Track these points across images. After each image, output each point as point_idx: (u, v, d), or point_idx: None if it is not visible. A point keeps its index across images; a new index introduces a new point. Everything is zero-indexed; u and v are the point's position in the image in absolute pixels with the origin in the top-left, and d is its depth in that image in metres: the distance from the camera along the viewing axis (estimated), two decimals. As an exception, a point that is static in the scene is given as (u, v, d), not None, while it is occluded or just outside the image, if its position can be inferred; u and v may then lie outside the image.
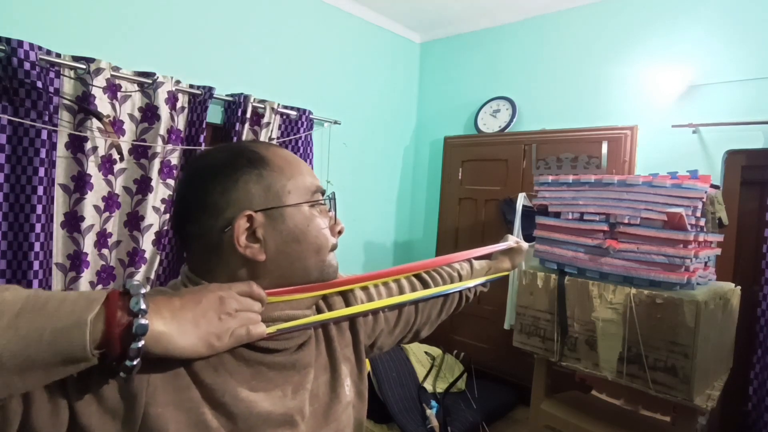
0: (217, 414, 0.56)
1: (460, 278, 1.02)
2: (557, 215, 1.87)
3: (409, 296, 0.88)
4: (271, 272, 0.62)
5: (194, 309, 0.51)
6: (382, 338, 0.86)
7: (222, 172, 0.61)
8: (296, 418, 0.63)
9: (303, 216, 0.63)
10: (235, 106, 2.28)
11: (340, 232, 0.69)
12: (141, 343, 0.45)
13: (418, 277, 0.95)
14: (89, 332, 0.42)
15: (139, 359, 0.46)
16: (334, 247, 0.68)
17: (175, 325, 0.49)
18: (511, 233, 2.64)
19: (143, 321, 0.45)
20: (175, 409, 0.53)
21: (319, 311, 0.74)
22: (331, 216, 0.69)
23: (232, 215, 0.59)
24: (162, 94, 1.98)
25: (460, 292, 1.02)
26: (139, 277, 2.02)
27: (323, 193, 0.68)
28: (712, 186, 1.66)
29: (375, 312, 0.83)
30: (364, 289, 0.83)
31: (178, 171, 2.09)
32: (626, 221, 1.65)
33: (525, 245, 1.18)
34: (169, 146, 2.04)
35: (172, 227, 0.64)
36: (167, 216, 2.06)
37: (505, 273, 1.15)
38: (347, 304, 0.78)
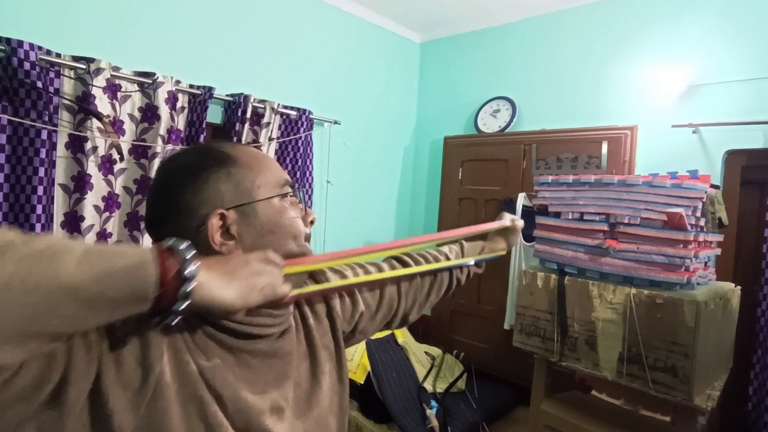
0: (211, 394, 0.58)
1: (448, 261, 1.02)
2: (557, 215, 1.87)
3: (400, 272, 0.90)
4: None
5: (227, 266, 0.54)
6: (363, 323, 0.86)
7: (192, 172, 0.62)
8: (281, 404, 0.65)
9: (274, 209, 0.65)
10: (235, 106, 2.28)
11: (312, 222, 0.71)
12: (192, 286, 0.47)
13: (400, 260, 0.95)
14: (154, 271, 0.45)
15: (188, 302, 0.48)
16: (307, 237, 0.70)
17: (217, 276, 0.51)
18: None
19: (193, 267, 0.48)
20: (180, 384, 0.55)
21: (311, 308, 0.77)
22: (301, 207, 0.70)
23: (206, 214, 0.61)
24: (162, 94, 1.98)
25: (451, 272, 1.01)
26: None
27: (292, 186, 0.69)
28: (712, 186, 1.67)
29: (353, 297, 0.85)
30: (340, 273, 0.85)
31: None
32: (626, 221, 1.65)
33: (520, 224, 1.15)
34: (169, 146, 2.04)
35: (148, 230, 0.64)
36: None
37: (500, 253, 1.12)
38: (325, 300, 0.81)
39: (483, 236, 1.12)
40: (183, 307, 0.48)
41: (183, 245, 0.49)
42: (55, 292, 0.41)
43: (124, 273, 0.44)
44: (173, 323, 0.50)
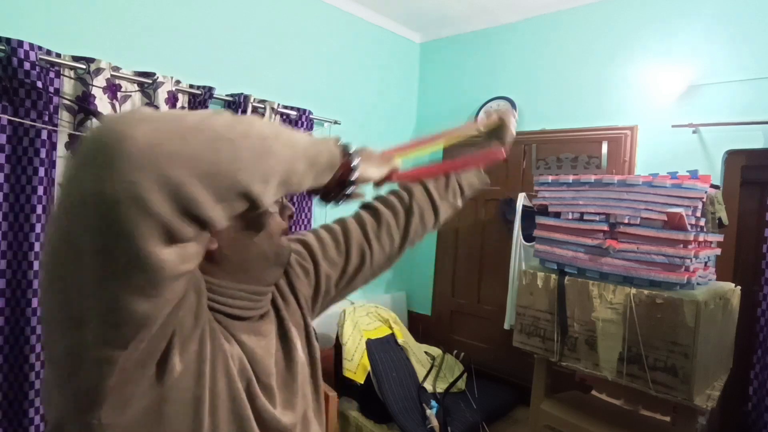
0: (229, 354, 0.61)
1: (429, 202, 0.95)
2: (557, 215, 1.87)
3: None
4: (228, 259, 0.63)
5: (371, 157, 0.71)
6: (332, 284, 0.85)
7: None
8: (270, 383, 0.66)
9: None
10: (235, 106, 2.28)
11: (290, 216, 0.72)
12: (356, 174, 0.66)
13: (371, 208, 0.92)
14: (339, 153, 0.64)
15: (356, 174, 0.66)
16: (285, 231, 0.70)
17: (367, 163, 0.69)
18: (512, 233, 2.64)
19: (357, 158, 0.66)
20: (209, 333, 0.58)
21: (278, 289, 0.77)
22: (278, 201, 0.70)
23: None
24: (162, 94, 1.98)
25: (432, 200, 0.95)
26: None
27: None
28: (713, 186, 1.67)
29: (316, 265, 0.84)
30: (305, 244, 0.85)
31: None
32: (626, 221, 1.65)
33: (511, 121, 1.01)
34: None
35: None
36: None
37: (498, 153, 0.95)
38: (287, 278, 0.81)
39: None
40: (354, 177, 0.66)
41: (347, 142, 0.67)
42: (298, 151, 0.55)
43: (327, 150, 0.62)
44: (347, 199, 0.68)
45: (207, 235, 0.47)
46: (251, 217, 0.62)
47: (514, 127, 1.02)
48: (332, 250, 0.86)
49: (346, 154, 0.65)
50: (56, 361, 0.48)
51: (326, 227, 0.89)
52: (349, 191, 0.67)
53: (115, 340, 0.44)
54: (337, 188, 0.66)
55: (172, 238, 0.42)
